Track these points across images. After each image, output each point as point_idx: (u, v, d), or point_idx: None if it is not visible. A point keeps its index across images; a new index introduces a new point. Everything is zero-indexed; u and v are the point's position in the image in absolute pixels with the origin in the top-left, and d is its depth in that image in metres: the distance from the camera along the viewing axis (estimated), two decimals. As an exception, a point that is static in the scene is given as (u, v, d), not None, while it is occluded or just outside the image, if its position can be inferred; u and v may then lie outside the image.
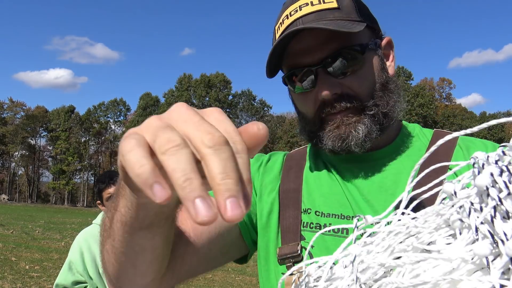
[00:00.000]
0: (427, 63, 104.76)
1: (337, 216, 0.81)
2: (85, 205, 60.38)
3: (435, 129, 0.90)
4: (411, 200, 0.71)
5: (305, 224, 0.83)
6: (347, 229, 0.78)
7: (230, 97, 68.45)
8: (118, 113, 73.79)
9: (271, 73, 0.83)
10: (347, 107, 0.78)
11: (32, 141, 71.78)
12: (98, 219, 2.15)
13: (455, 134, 0.81)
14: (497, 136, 62.63)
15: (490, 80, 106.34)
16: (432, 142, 0.84)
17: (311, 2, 0.79)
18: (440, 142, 0.53)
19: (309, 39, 0.77)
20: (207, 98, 66.62)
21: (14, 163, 72.55)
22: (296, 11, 0.79)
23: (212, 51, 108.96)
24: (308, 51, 0.78)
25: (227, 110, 68.69)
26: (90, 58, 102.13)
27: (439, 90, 69.25)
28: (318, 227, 0.81)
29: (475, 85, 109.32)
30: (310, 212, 0.84)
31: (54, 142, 70.00)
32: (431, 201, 0.68)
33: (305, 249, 0.80)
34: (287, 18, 0.81)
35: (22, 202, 61.70)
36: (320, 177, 0.87)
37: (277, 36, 0.82)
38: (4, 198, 55.67)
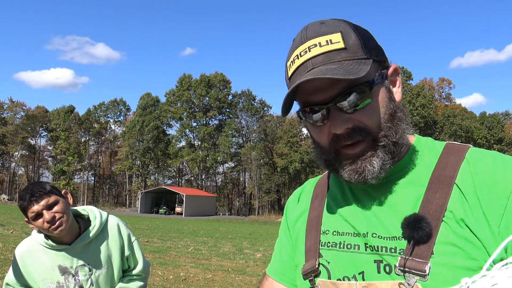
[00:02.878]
0: (428, 63, 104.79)
1: (350, 234, 0.88)
2: (85, 205, 59.90)
3: (447, 141, 0.93)
4: (418, 216, 0.78)
5: (323, 244, 0.92)
6: (359, 245, 0.85)
7: (230, 97, 68.44)
8: (118, 113, 73.77)
9: (285, 112, 0.87)
10: (359, 140, 0.83)
11: (32, 141, 71.78)
12: (34, 233, 2.05)
13: (465, 146, 0.87)
14: (497, 136, 62.67)
15: (492, 80, 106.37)
16: (442, 155, 0.87)
17: (319, 43, 0.83)
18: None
19: (319, 80, 0.81)
20: (207, 98, 66.62)
21: (14, 163, 72.54)
22: (306, 52, 0.84)
23: (213, 51, 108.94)
24: (319, 90, 0.82)
25: (227, 110, 68.75)
26: (91, 58, 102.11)
27: (438, 90, 69.29)
28: (334, 245, 0.90)
29: (477, 85, 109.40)
30: (328, 233, 0.92)
31: (54, 142, 69.99)
32: (436, 217, 0.78)
33: (323, 265, 0.90)
34: (297, 58, 0.85)
35: (22, 202, 61.42)
36: (338, 200, 0.96)
37: (289, 73, 0.88)
38: (4, 198, 55.68)
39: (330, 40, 0.83)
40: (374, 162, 0.82)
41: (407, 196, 0.84)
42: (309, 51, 0.83)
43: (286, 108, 0.86)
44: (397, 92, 0.91)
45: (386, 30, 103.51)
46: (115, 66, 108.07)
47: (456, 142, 0.91)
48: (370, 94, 0.82)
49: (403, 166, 0.89)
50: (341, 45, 0.82)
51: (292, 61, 0.87)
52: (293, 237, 1.03)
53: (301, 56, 0.84)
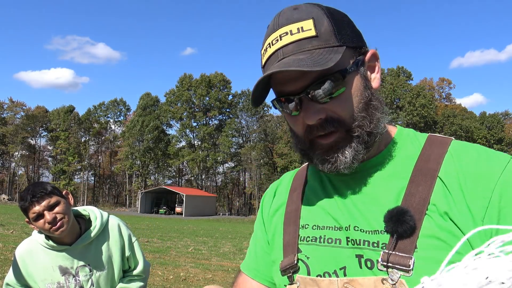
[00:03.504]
0: (428, 63, 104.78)
1: (331, 228, 0.87)
2: (85, 205, 59.98)
3: (429, 133, 0.91)
4: (402, 209, 0.76)
5: (302, 238, 0.90)
6: (340, 239, 0.84)
7: (230, 97, 68.46)
8: (118, 113, 73.81)
9: (255, 103, 0.87)
10: (332, 131, 0.81)
11: (32, 141, 71.79)
12: (34, 234, 2.06)
13: (447, 139, 0.84)
14: (497, 136, 62.63)
15: (492, 80, 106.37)
16: (425, 147, 0.86)
17: (291, 31, 0.82)
18: None
19: (290, 70, 0.80)
20: (207, 98, 66.63)
21: (14, 163, 72.55)
22: (277, 40, 0.83)
23: (213, 51, 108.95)
24: (291, 80, 0.81)
25: (227, 110, 68.77)
26: (91, 58, 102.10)
27: (438, 90, 69.30)
28: (314, 240, 0.88)
29: (477, 85, 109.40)
30: (307, 227, 0.90)
31: (54, 142, 70.00)
32: (419, 210, 0.76)
33: (302, 260, 0.88)
34: (269, 46, 0.84)
35: (22, 202, 61.42)
36: (318, 193, 0.94)
37: (262, 62, 0.87)
38: (4, 198, 55.69)
39: (302, 27, 0.81)
40: (347, 152, 0.81)
41: (389, 188, 0.83)
42: (280, 39, 0.82)
43: (256, 98, 0.85)
44: (375, 78, 0.88)
45: (386, 30, 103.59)
46: (115, 66, 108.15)
47: (438, 134, 0.89)
48: (343, 83, 0.81)
49: (384, 157, 0.88)
50: (312, 32, 0.80)
51: (265, 49, 0.86)
52: (269, 232, 1.01)
53: (272, 45, 0.84)
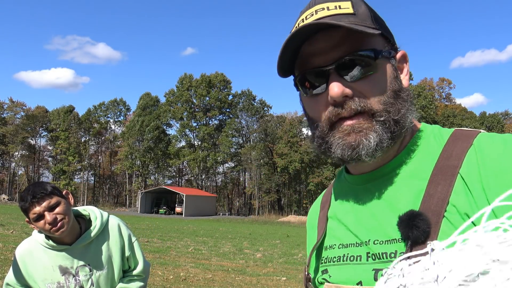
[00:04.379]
0: (429, 63, 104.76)
1: (353, 245, 0.84)
2: (85, 205, 59.93)
3: (456, 128, 0.85)
4: (413, 213, 0.71)
5: (330, 259, 0.89)
6: (361, 256, 0.81)
7: (230, 97, 68.45)
8: (118, 113, 73.80)
9: (283, 71, 0.83)
10: (358, 111, 0.77)
11: (32, 141, 71.79)
12: (35, 233, 2.06)
13: (474, 132, 0.79)
14: (497, 136, 62.44)
15: (493, 80, 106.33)
16: (448, 143, 0.80)
17: (327, 7, 0.80)
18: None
19: (322, 41, 0.78)
20: (208, 98, 66.61)
21: (14, 163, 72.54)
22: (312, 14, 0.80)
23: (213, 51, 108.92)
24: (320, 52, 0.79)
25: (227, 110, 68.77)
26: (92, 58, 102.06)
27: (438, 90, 69.29)
28: (338, 259, 0.86)
29: (477, 85, 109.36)
30: (334, 247, 0.89)
31: (54, 142, 70.00)
32: (437, 213, 0.71)
33: (325, 280, 0.88)
34: (303, 22, 0.81)
35: (22, 202, 61.39)
36: (342, 209, 0.91)
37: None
38: (4, 198, 55.68)
39: (339, 5, 0.80)
40: (371, 136, 0.77)
41: (408, 191, 0.78)
42: (316, 13, 0.80)
43: (283, 65, 0.82)
44: (404, 78, 0.86)
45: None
46: (116, 66, 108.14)
47: (465, 128, 0.83)
48: (375, 65, 0.79)
49: (405, 157, 0.83)
50: (350, 10, 0.79)
51: (296, 27, 0.82)
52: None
53: (306, 20, 0.80)
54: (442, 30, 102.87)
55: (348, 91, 0.77)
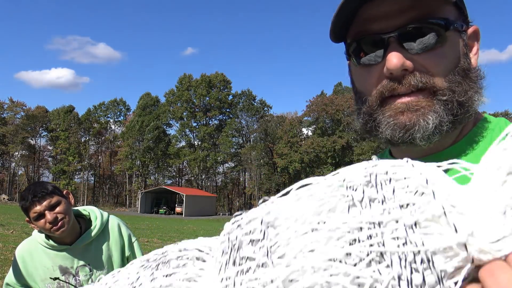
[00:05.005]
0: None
1: None
2: (85, 205, 59.93)
3: None
4: None
5: None
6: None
7: (230, 97, 68.45)
8: (118, 113, 73.80)
9: (335, 35, 0.74)
10: (418, 88, 0.67)
11: (32, 141, 71.79)
12: (35, 233, 2.03)
13: None
14: (497, 136, 62.51)
15: (493, 80, 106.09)
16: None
17: None
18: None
19: (386, 3, 0.68)
20: (208, 98, 66.61)
21: (14, 163, 72.55)
22: None
23: (214, 51, 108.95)
24: (382, 17, 0.68)
25: (227, 110, 68.77)
26: (92, 58, 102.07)
27: (439, 90, 69.26)
28: None
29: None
30: None
31: (54, 142, 70.02)
32: None
33: None
34: None
35: (22, 202, 61.36)
36: None
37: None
38: (4, 198, 55.68)
39: None
40: (430, 117, 0.66)
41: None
42: None
43: (337, 28, 0.72)
44: (473, 57, 0.76)
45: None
46: (116, 66, 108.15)
47: None
48: (444, 37, 0.68)
49: (465, 146, 0.73)
50: None
51: None
52: None
53: None
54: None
55: (408, 63, 0.67)
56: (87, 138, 72.36)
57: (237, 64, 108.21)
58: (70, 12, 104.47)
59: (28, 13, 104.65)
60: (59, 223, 1.86)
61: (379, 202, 0.35)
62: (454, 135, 0.73)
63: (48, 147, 73.62)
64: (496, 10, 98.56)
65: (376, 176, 0.37)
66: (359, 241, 0.34)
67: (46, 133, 71.83)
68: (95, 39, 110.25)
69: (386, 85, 0.69)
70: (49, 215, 1.85)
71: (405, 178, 0.36)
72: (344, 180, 0.38)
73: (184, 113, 67.27)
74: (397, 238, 0.33)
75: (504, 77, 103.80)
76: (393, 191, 0.35)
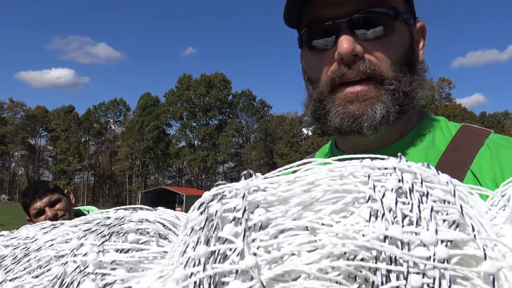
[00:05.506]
0: (430, 63, 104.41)
1: None
2: (85, 205, 60.09)
3: (464, 123, 0.79)
4: None
5: None
6: None
7: (230, 97, 68.49)
8: (118, 113, 73.88)
9: (289, 20, 0.76)
10: (366, 75, 0.69)
11: (32, 141, 71.83)
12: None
13: (485, 131, 0.72)
14: (497, 136, 62.56)
15: (493, 80, 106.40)
16: (455, 138, 0.74)
17: None
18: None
19: None
20: (207, 98, 66.65)
21: (14, 163, 72.58)
22: None
23: (214, 51, 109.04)
24: (334, 3, 0.70)
25: (227, 110, 68.81)
26: (92, 58, 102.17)
27: (438, 90, 69.37)
28: None
29: (478, 85, 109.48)
30: None
31: (54, 142, 70.07)
32: None
33: None
34: None
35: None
36: None
37: None
38: (4, 198, 55.70)
39: None
40: (377, 107, 0.69)
41: None
42: None
43: (291, 13, 0.74)
44: (419, 52, 0.79)
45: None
46: (116, 66, 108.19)
47: (475, 125, 0.77)
48: (393, 27, 0.71)
49: (406, 145, 0.76)
50: None
51: None
52: None
53: None
54: (443, 30, 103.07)
55: (359, 48, 0.69)
56: (87, 138, 72.41)
57: (237, 64, 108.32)
58: (70, 12, 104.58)
59: (28, 13, 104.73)
60: (59, 220, 1.86)
61: (411, 223, 0.30)
62: (401, 129, 0.76)
63: (48, 147, 73.68)
64: (496, 10, 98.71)
65: (412, 185, 0.32)
66: (376, 263, 0.29)
67: (46, 133, 71.88)
68: (95, 39, 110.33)
69: (337, 71, 0.70)
70: (49, 212, 1.86)
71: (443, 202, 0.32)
72: (368, 177, 0.34)
73: (184, 113, 67.33)
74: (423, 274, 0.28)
75: (504, 77, 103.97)
76: (431, 213, 0.30)
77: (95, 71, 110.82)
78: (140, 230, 0.41)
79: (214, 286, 0.29)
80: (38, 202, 1.89)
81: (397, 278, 0.27)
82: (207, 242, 0.31)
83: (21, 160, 71.26)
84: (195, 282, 0.29)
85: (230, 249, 0.31)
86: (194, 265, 0.31)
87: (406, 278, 0.27)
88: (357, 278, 0.29)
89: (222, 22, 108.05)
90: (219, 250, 0.31)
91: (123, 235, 0.40)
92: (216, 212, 0.34)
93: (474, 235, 0.29)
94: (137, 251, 0.37)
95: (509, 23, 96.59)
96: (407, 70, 0.72)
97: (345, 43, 0.68)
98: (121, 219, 0.43)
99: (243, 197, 0.34)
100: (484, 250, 0.29)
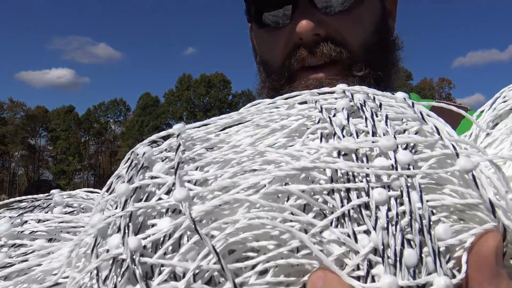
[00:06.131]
0: (430, 63, 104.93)
1: None
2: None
3: (435, 101, 0.69)
4: None
5: None
6: None
7: (230, 97, 68.50)
8: (118, 113, 73.89)
9: None
10: (331, 58, 0.57)
11: (32, 141, 71.85)
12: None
13: (460, 107, 0.60)
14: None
15: (494, 80, 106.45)
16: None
17: None
18: None
19: None
20: (207, 98, 66.65)
21: (14, 163, 72.63)
22: None
23: (214, 51, 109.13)
24: None
25: (227, 110, 68.83)
26: (92, 58, 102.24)
27: (438, 90, 69.39)
28: None
29: (478, 85, 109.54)
30: None
31: (54, 142, 70.07)
32: None
33: None
34: None
35: (22, 202, 61.35)
36: None
37: None
38: (4, 198, 55.71)
39: None
40: None
41: None
42: None
43: None
44: (391, 24, 0.69)
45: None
46: (116, 66, 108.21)
47: (448, 103, 0.60)
48: None
49: None
50: None
51: None
52: None
53: None
54: (443, 30, 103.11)
55: (320, 29, 0.57)
56: (87, 138, 72.43)
57: (237, 64, 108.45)
58: (70, 12, 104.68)
59: (28, 13, 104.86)
60: None
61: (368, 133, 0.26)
62: None
63: (48, 147, 73.68)
64: (497, 10, 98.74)
65: (364, 101, 0.28)
66: (334, 186, 0.24)
67: (46, 133, 71.91)
68: (95, 39, 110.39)
69: (295, 54, 0.59)
70: None
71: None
72: (316, 102, 0.29)
73: (184, 113, 67.38)
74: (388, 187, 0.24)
75: (504, 77, 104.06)
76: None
77: (95, 71, 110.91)
78: (67, 203, 0.37)
79: (138, 227, 0.25)
80: None
81: (358, 197, 0.23)
82: (130, 181, 0.27)
83: (21, 160, 71.32)
84: (109, 223, 0.25)
85: (160, 187, 0.27)
86: (115, 208, 0.26)
87: (368, 194, 0.23)
88: (312, 207, 0.24)
89: (222, 22, 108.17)
90: (146, 188, 0.27)
91: (48, 207, 0.37)
92: (144, 153, 0.30)
93: (440, 136, 0.25)
94: (61, 223, 0.34)
95: (510, 23, 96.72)
96: (380, 50, 0.61)
97: (304, 20, 0.56)
98: (49, 195, 0.39)
99: (177, 136, 0.31)
100: (455, 148, 0.25)
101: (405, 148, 0.25)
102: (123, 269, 0.23)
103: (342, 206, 0.23)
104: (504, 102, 0.35)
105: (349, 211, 0.23)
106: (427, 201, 0.23)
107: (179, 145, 0.29)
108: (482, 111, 0.41)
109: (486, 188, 0.23)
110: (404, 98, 0.29)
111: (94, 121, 72.69)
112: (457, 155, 0.24)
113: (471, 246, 0.22)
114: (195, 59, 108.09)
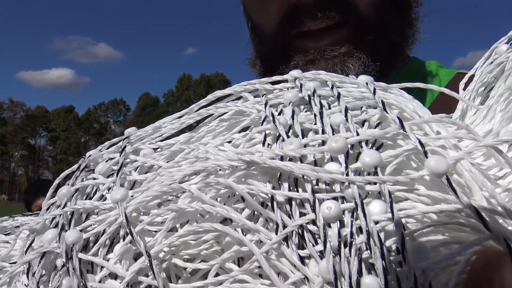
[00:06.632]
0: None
1: None
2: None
3: (458, 71, 0.59)
4: None
5: None
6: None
7: (230, 97, 68.55)
8: (118, 113, 73.93)
9: None
10: (335, 20, 0.48)
11: (32, 141, 71.87)
12: None
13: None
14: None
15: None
16: (449, 86, 0.51)
17: None
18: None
19: None
20: (207, 98, 66.68)
21: (14, 163, 72.65)
22: None
23: (214, 51, 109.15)
24: None
25: (227, 110, 68.80)
26: (92, 57, 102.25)
27: (438, 90, 69.52)
28: None
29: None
30: None
31: (54, 142, 70.10)
32: None
33: None
34: None
35: (22, 202, 61.51)
36: None
37: None
38: (4, 198, 55.75)
39: None
40: (351, 66, 0.48)
41: None
42: None
43: None
44: None
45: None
46: (116, 66, 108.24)
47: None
48: None
49: None
50: None
51: None
52: None
53: None
54: (443, 31, 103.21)
55: None
56: (87, 138, 72.46)
57: (237, 64, 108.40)
58: (70, 12, 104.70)
59: (28, 13, 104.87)
60: None
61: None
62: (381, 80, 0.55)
63: (48, 147, 73.70)
64: (497, 10, 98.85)
65: (313, 92, 0.25)
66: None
67: (46, 133, 71.93)
68: (95, 39, 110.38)
69: (294, 20, 0.50)
70: None
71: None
72: (263, 96, 0.26)
73: (184, 113, 67.46)
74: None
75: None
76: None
77: (95, 71, 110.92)
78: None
79: (79, 229, 0.24)
80: (41, 199, 1.91)
81: (300, 213, 0.19)
82: (73, 184, 0.27)
83: (21, 160, 71.34)
84: (47, 220, 0.25)
85: (101, 188, 0.26)
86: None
87: (313, 209, 0.19)
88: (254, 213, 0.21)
89: (222, 22, 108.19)
90: (85, 190, 0.27)
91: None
92: (90, 155, 0.30)
93: (403, 128, 0.20)
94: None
95: (510, 24, 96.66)
96: (393, 8, 0.51)
97: None
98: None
99: (124, 139, 0.30)
100: (421, 143, 0.19)
101: (372, 146, 0.20)
102: (59, 263, 0.22)
103: (283, 222, 0.19)
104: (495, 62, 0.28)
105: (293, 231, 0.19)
106: (391, 212, 0.18)
107: (125, 147, 0.28)
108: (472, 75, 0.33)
109: (473, 188, 0.18)
110: (367, 83, 0.25)
111: (94, 121, 72.80)
112: (425, 153, 0.19)
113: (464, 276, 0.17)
114: (195, 59, 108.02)
